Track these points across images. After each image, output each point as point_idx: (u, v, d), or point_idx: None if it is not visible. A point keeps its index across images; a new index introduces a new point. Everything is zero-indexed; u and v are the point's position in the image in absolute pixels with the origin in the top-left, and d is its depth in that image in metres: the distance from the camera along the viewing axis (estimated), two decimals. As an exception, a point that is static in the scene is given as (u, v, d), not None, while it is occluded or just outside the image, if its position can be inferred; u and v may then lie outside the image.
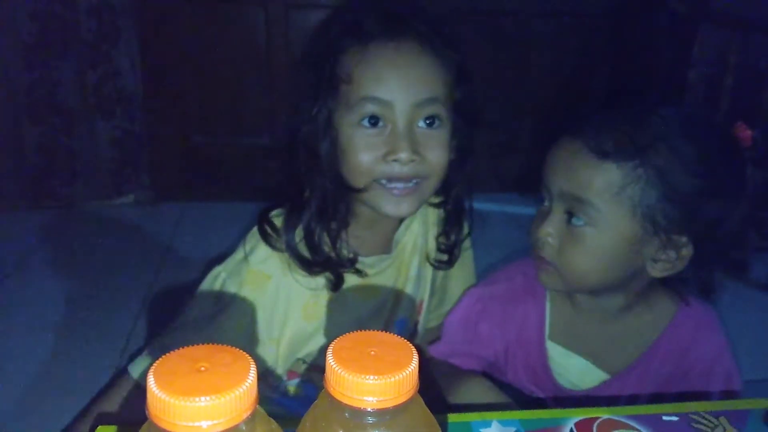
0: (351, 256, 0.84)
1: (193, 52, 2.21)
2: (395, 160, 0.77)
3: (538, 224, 0.76)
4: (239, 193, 2.38)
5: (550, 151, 0.76)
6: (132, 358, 0.86)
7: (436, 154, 0.79)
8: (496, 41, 2.32)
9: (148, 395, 0.29)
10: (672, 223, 0.70)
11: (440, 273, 0.95)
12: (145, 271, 1.85)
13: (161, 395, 0.28)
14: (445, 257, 0.92)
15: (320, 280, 0.83)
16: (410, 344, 0.34)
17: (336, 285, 0.83)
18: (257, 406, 0.31)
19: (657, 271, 0.73)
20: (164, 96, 2.24)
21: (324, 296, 0.84)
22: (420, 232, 0.91)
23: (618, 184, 0.69)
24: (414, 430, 0.34)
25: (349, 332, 0.79)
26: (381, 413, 0.33)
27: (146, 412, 0.29)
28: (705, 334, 0.79)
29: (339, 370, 0.32)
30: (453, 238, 0.92)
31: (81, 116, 2.15)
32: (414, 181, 0.79)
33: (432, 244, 0.92)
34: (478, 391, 0.78)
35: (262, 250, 0.82)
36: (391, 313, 0.89)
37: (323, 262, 0.82)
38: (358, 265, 0.84)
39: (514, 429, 0.56)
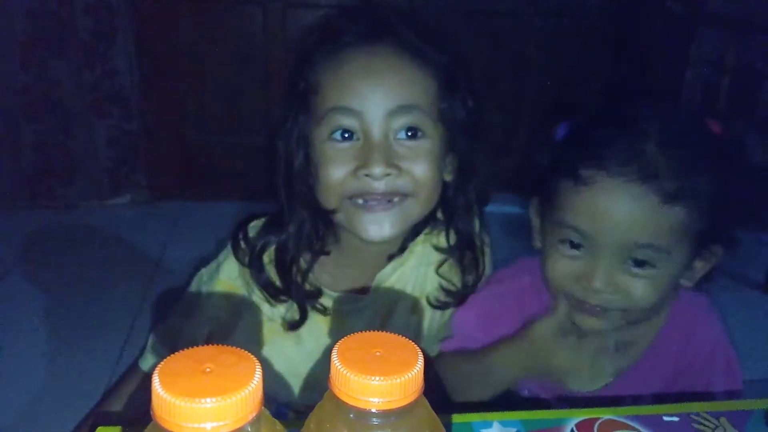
0: (315, 288, 0.76)
1: (190, 51, 2.21)
2: (367, 175, 0.69)
3: (573, 271, 0.71)
4: (236, 193, 2.37)
5: (582, 196, 0.69)
6: (130, 356, 0.87)
7: (421, 169, 0.70)
8: (494, 41, 2.32)
9: (153, 396, 0.29)
10: (711, 237, 0.71)
11: (445, 313, 0.82)
12: (143, 271, 1.84)
13: (166, 396, 0.28)
14: (450, 300, 0.79)
15: (279, 311, 0.77)
16: (416, 345, 0.34)
17: (296, 324, 0.75)
18: (263, 407, 0.31)
19: (689, 280, 0.74)
20: (161, 95, 2.24)
21: (278, 325, 0.78)
22: (414, 275, 0.79)
23: (684, 223, 0.68)
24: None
25: (300, 371, 0.73)
26: (386, 414, 0.32)
27: (150, 413, 0.29)
28: (703, 323, 0.80)
29: (344, 371, 0.32)
30: (466, 279, 0.79)
31: (78, 115, 2.15)
32: (395, 198, 0.71)
33: (432, 286, 0.80)
34: (511, 353, 0.74)
35: (232, 263, 0.78)
36: None
37: (287, 290, 0.75)
38: (323, 300, 0.77)
39: (515, 429, 0.55)
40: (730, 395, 0.78)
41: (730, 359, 0.80)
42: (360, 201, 0.71)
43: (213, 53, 2.21)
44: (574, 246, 0.71)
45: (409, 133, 0.71)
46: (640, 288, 0.69)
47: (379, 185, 0.70)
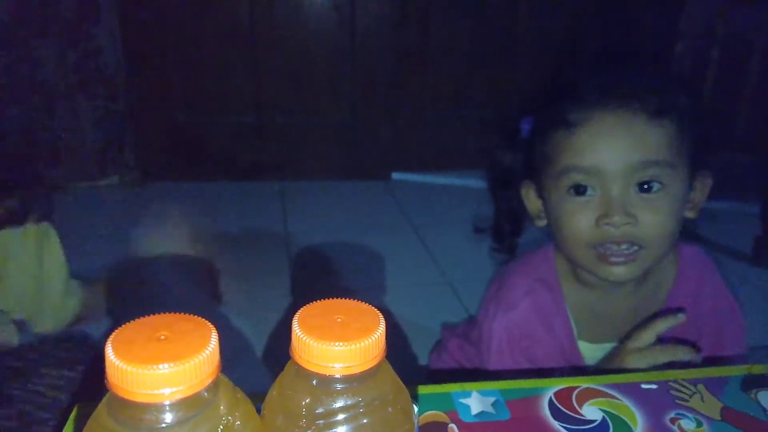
0: None
1: (176, 29, 2.17)
2: None
3: (590, 217, 0.72)
4: (225, 173, 2.36)
5: (576, 135, 0.72)
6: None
7: None
8: (481, 18, 2.30)
9: (107, 365, 0.28)
10: (699, 160, 0.74)
11: None
12: (132, 252, 1.83)
13: (120, 364, 0.28)
14: None
15: None
16: (377, 311, 0.34)
17: None
18: (221, 373, 0.30)
19: (692, 211, 0.77)
20: (147, 74, 2.21)
21: None
22: None
23: (675, 137, 0.71)
24: (382, 396, 0.33)
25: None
26: (348, 380, 0.32)
27: (105, 383, 0.29)
28: (707, 275, 0.82)
29: (304, 338, 0.32)
30: None
31: (62, 96, 2.12)
32: None
33: None
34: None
35: None
36: None
37: None
38: None
39: (493, 399, 0.56)
40: (737, 341, 0.82)
41: (733, 305, 0.83)
42: None
43: (199, 31, 2.18)
44: (582, 192, 0.72)
45: None
46: (655, 213, 0.71)
47: None
